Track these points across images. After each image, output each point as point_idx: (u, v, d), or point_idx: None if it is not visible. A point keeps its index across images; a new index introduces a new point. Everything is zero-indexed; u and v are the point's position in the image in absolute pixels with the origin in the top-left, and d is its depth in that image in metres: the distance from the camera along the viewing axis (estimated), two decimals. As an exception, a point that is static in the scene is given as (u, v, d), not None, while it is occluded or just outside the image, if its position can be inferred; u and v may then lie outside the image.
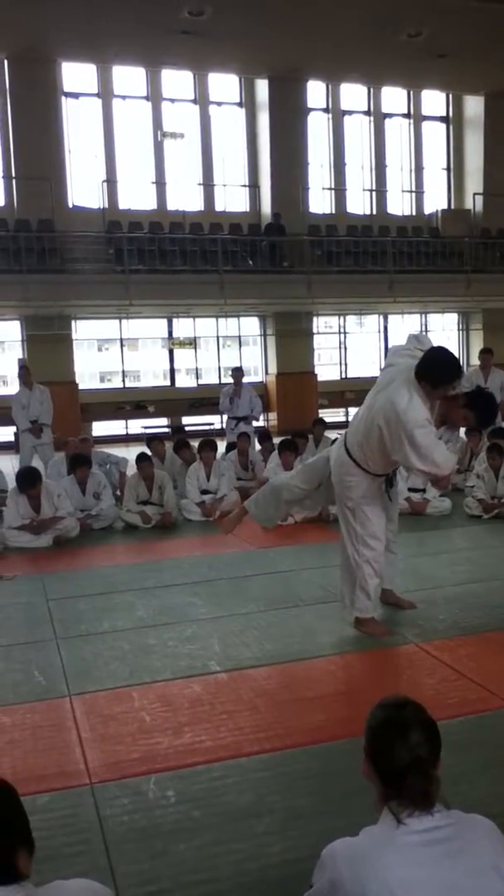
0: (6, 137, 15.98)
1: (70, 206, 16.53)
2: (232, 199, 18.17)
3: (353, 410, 13.59)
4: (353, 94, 18.94)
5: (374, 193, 19.14)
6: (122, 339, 17.47)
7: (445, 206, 19.76)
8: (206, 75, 17.55)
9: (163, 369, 18.44)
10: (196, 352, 17.93)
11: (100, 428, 16.24)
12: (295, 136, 17.53)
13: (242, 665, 3.92)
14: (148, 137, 17.45)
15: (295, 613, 4.69)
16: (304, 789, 2.78)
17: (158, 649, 4.19)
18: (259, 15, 13.81)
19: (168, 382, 18.11)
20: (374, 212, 18.99)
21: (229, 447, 9.49)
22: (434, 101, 19.75)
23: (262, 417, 14.57)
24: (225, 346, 18.44)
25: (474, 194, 19.20)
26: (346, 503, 4.28)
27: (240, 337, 18.54)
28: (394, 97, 19.38)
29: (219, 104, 18.02)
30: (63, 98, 16.57)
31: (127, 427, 16.91)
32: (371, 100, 19.07)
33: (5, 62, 15.69)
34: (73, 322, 16.29)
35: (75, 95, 16.90)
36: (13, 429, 11.94)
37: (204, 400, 16.30)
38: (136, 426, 16.75)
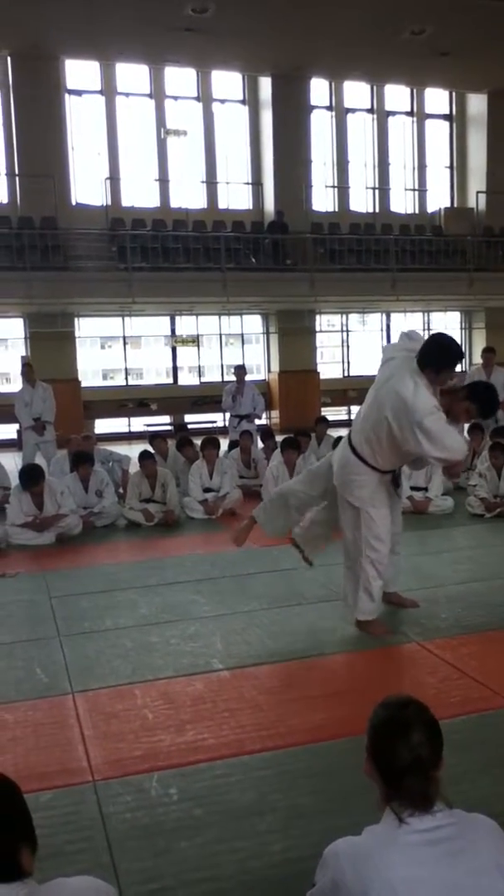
0: (9, 135, 16.00)
1: (73, 203, 16.53)
2: (235, 197, 18.15)
3: (355, 409, 13.57)
4: (357, 92, 18.91)
5: (377, 191, 19.12)
6: (124, 337, 17.49)
7: (448, 205, 19.74)
8: (210, 73, 17.53)
9: (165, 367, 18.44)
10: (199, 349, 17.96)
11: (102, 425, 16.21)
12: (298, 134, 17.50)
13: (245, 663, 3.92)
14: (151, 135, 17.45)
15: (298, 612, 4.69)
16: (306, 788, 2.79)
17: (161, 647, 4.19)
18: (262, 12, 13.79)
19: (171, 380, 18.12)
20: (377, 210, 18.96)
21: (232, 445, 9.49)
22: (437, 98, 19.72)
23: (264, 415, 14.58)
24: (228, 343, 18.43)
25: (477, 192, 19.17)
26: (352, 504, 4.24)
27: (242, 335, 18.53)
28: (397, 95, 19.35)
29: (222, 102, 18.00)
30: (66, 95, 16.57)
31: (129, 425, 16.93)
32: (374, 97, 19.04)
33: (8, 59, 15.69)
34: (76, 319, 16.30)
35: (78, 93, 16.89)
36: (16, 426, 11.95)
37: (206, 398, 16.30)
38: (139, 424, 16.77)
